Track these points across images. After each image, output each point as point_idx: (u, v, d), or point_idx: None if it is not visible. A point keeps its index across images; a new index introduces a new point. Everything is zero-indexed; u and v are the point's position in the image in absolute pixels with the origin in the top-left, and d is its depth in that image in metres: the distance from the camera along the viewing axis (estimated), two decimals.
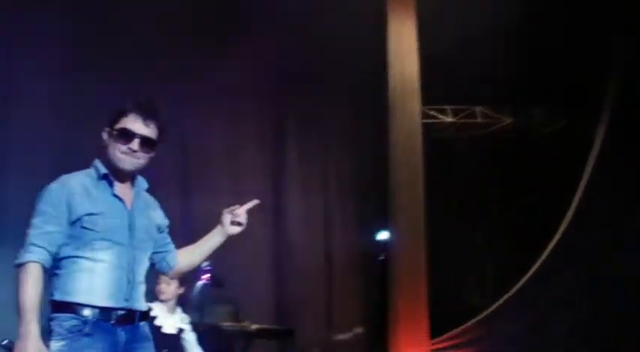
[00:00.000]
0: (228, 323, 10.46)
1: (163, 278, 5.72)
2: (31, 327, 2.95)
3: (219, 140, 12.72)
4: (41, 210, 3.13)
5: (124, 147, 3.22)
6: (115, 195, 3.25)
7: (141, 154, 3.26)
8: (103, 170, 3.25)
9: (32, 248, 3.06)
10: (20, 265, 3.06)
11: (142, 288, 3.36)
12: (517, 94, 13.21)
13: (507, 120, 13.50)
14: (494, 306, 12.59)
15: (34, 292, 3.02)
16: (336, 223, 13.76)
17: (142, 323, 3.31)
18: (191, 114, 12.05)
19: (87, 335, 3.06)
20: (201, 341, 10.06)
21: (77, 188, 3.17)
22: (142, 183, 3.45)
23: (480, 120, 13.51)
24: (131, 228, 3.24)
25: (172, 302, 5.89)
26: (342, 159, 13.93)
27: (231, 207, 3.55)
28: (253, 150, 13.09)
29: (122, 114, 3.27)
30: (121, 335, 3.14)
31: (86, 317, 3.08)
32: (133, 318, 3.21)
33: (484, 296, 13.52)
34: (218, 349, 10.18)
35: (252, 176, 13.01)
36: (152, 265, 3.58)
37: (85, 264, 3.11)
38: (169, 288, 5.82)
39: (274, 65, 12.59)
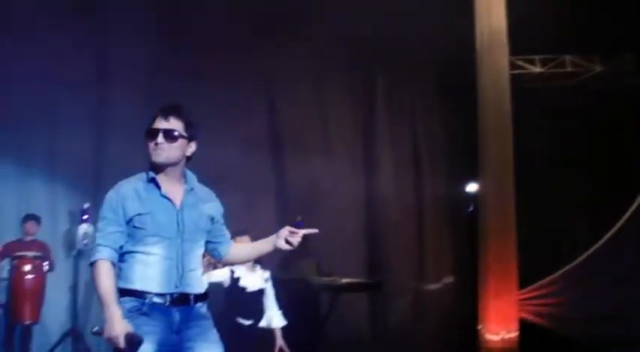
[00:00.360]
0: (317, 278, 10.97)
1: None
2: (113, 309, 3.47)
3: (309, 99, 13.02)
4: (103, 215, 3.67)
5: (151, 144, 3.72)
6: (163, 195, 3.70)
7: (165, 146, 3.71)
8: (152, 174, 3.73)
9: (99, 248, 3.60)
10: (92, 263, 3.60)
11: (195, 274, 3.80)
12: (607, 42, 12.98)
13: (597, 69, 13.29)
14: (581, 258, 12.66)
15: (109, 283, 3.54)
16: (426, 175, 13.94)
17: (199, 305, 3.78)
18: (279, 79, 12.46)
19: (144, 314, 3.58)
20: (288, 295, 10.69)
21: (129, 192, 3.67)
22: (191, 180, 3.89)
23: (569, 69, 13.34)
24: (179, 223, 3.68)
25: (251, 262, 6.29)
26: (430, 113, 14.06)
27: (293, 229, 3.94)
28: (343, 107, 13.36)
29: (153, 120, 3.77)
30: (176, 315, 3.63)
31: (143, 300, 3.58)
32: (187, 300, 3.68)
33: (574, 248, 13.51)
34: (306, 303, 10.78)
35: (343, 132, 13.38)
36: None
37: (139, 257, 3.63)
38: None
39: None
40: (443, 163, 14.12)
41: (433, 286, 13.64)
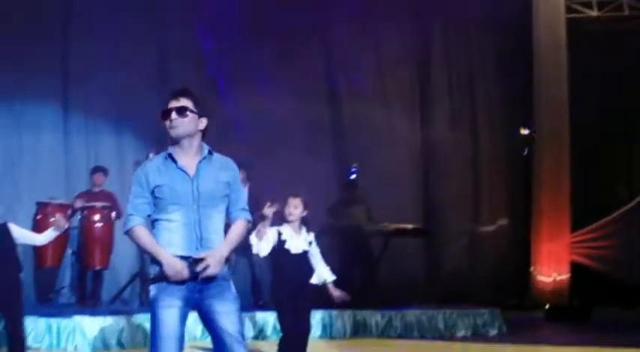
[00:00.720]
0: (368, 224, 11.31)
1: (291, 201, 6.61)
2: (164, 254, 3.95)
3: (365, 48, 13.21)
4: (132, 189, 4.12)
5: (167, 122, 4.13)
6: (179, 168, 4.11)
7: (178, 121, 4.10)
8: (169, 151, 4.16)
9: (130, 217, 4.06)
10: (128, 231, 4.09)
11: (215, 238, 4.12)
12: None
13: None
14: (634, 202, 12.77)
15: (149, 238, 4.02)
16: (482, 121, 14.09)
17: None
18: (336, 29, 12.74)
19: (168, 283, 3.99)
20: (340, 242, 11.09)
21: (151, 168, 4.11)
22: (204, 151, 4.23)
23: (626, 13, 13.20)
24: (194, 191, 4.06)
25: (297, 224, 6.66)
26: (486, 59, 14.12)
27: None
28: (400, 55, 13.46)
29: (167, 103, 4.17)
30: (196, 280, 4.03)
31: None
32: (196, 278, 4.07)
33: (628, 192, 13.59)
34: (357, 249, 11.17)
35: (399, 79, 13.53)
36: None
37: (164, 223, 4.06)
38: (296, 211, 6.56)
39: None
40: (498, 108, 14.20)
41: (488, 229, 13.85)
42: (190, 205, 4.03)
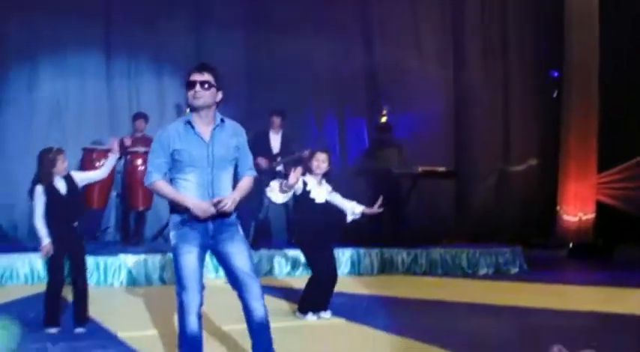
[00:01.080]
0: (397, 167, 11.70)
1: (319, 156, 7.12)
2: (188, 198, 4.54)
3: None
4: (152, 149, 4.67)
5: (191, 92, 4.61)
6: (196, 134, 4.64)
7: (201, 93, 4.60)
8: (188, 118, 4.67)
9: (151, 173, 4.62)
10: (150, 185, 4.65)
11: (224, 195, 4.67)
12: None
13: None
14: None
15: (170, 189, 4.61)
16: (513, 61, 14.30)
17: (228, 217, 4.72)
18: None
19: (188, 225, 4.60)
20: (372, 183, 11.55)
21: (172, 132, 4.63)
22: (217, 119, 4.75)
23: None
24: (209, 155, 4.62)
25: (320, 176, 7.20)
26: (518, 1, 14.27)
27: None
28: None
29: (189, 75, 4.65)
30: (210, 225, 4.61)
31: (185, 215, 4.60)
32: (217, 215, 4.61)
33: None
34: (387, 190, 11.58)
35: (432, 19, 13.79)
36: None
37: (180, 182, 4.63)
38: (323, 165, 7.09)
39: None
40: (530, 50, 14.40)
41: (517, 168, 14.23)
42: (205, 167, 4.59)
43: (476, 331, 6.49)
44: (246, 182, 4.79)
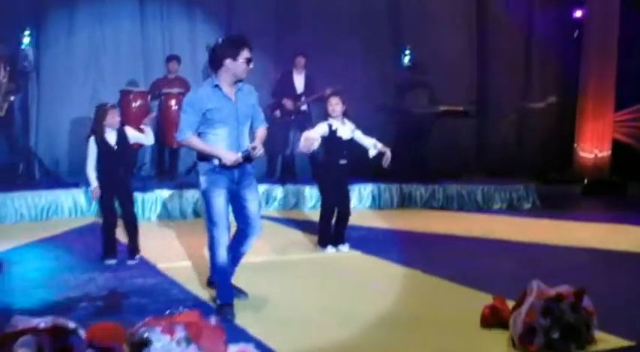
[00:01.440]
0: (428, 106, 12.16)
1: (332, 100, 7.70)
2: (219, 149, 5.21)
3: None
4: (185, 109, 5.29)
5: (247, 67, 5.26)
6: (225, 95, 5.27)
7: (249, 69, 5.30)
8: (216, 82, 5.27)
9: (184, 130, 5.23)
10: (183, 140, 5.29)
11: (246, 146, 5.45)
12: None
13: None
14: None
15: (202, 143, 5.25)
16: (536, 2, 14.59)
17: (248, 165, 5.39)
18: None
19: (217, 173, 5.25)
20: (396, 121, 12.06)
21: (203, 95, 5.25)
22: (238, 82, 5.41)
23: None
24: (235, 114, 5.29)
25: (340, 117, 7.77)
26: None
27: None
28: None
29: (241, 48, 5.24)
30: (235, 172, 5.30)
31: (216, 164, 5.25)
32: (241, 163, 5.29)
33: None
34: (409, 129, 12.11)
35: None
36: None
37: (210, 137, 5.27)
38: (338, 107, 7.65)
39: None
40: None
41: (537, 106, 14.57)
42: (232, 123, 5.27)
43: (480, 264, 7.10)
44: (262, 132, 5.50)
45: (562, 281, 4.69)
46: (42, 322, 3.57)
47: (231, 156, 5.19)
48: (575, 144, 14.18)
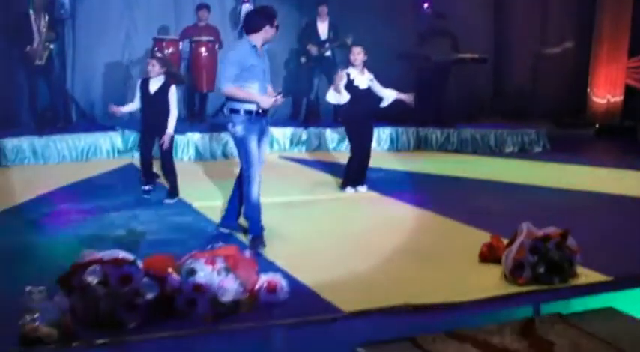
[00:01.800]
0: (450, 54, 12.57)
1: (354, 50, 8.29)
2: (256, 95, 5.93)
3: None
4: (227, 63, 5.98)
5: (275, 33, 6.04)
6: (258, 55, 5.99)
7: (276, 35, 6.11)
8: (252, 43, 5.98)
9: (227, 81, 5.89)
10: (225, 91, 5.93)
11: None
12: None
13: None
14: None
15: (242, 91, 5.91)
16: None
17: (267, 117, 6.19)
18: None
19: (252, 122, 5.96)
20: (414, 71, 12.55)
21: (244, 52, 5.97)
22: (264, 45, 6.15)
23: None
24: (264, 72, 6.05)
25: (360, 67, 8.34)
26: None
27: None
28: None
29: (275, 18, 6.02)
30: (263, 121, 6.07)
31: (252, 113, 5.95)
32: (266, 113, 6.08)
33: None
34: (428, 76, 12.57)
35: None
36: None
37: (246, 89, 5.94)
38: (359, 57, 8.23)
39: None
40: None
41: (553, 51, 15.00)
42: (261, 79, 6.03)
43: (485, 205, 7.74)
44: (270, 89, 6.22)
45: (558, 221, 5.37)
46: (106, 255, 4.30)
47: (269, 100, 5.94)
48: (589, 90, 14.60)
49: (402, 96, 8.43)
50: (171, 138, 7.69)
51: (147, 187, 7.91)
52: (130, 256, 4.30)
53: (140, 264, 4.30)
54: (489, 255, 5.48)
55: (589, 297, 5.02)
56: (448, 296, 4.77)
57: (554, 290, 5.02)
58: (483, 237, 5.83)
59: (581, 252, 5.19)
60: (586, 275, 5.23)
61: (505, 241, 5.42)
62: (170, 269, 4.35)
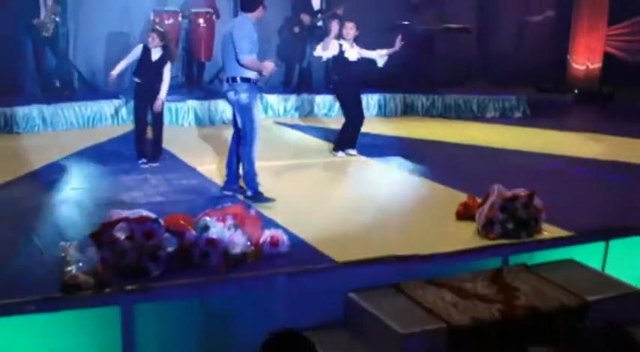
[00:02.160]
0: (437, 24, 13.13)
1: (347, 24, 8.87)
2: (263, 64, 6.65)
3: None
4: (244, 36, 6.57)
5: (262, 9, 6.78)
6: (256, 31, 6.64)
7: None
8: (252, 20, 6.67)
9: (248, 53, 6.56)
10: (248, 61, 6.57)
11: None
12: None
13: None
14: None
15: (257, 62, 6.62)
16: None
17: None
18: None
19: (254, 89, 6.69)
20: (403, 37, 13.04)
21: (252, 27, 6.63)
22: None
23: None
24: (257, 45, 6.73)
25: (351, 41, 8.94)
26: None
27: None
28: None
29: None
30: (259, 89, 6.86)
31: (255, 82, 6.68)
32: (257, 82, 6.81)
33: None
34: (414, 44, 13.04)
35: None
36: None
37: None
38: (351, 32, 8.83)
39: None
40: None
41: (535, 18, 15.60)
42: (256, 52, 6.66)
43: (465, 168, 8.43)
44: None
45: (529, 183, 6.04)
46: (131, 214, 4.94)
47: (271, 65, 6.70)
48: (569, 56, 15.18)
49: (390, 50, 9.03)
50: (162, 103, 8.18)
51: (142, 161, 8.19)
52: (152, 215, 4.94)
53: (161, 221, 4.95)
54: (465, 213, 6.15)
55: (552, 250, 5.72)
56: (428, 249, 5.39)
57: (521, 244, 5.68)
58: (461, 197, 6.50)
59: (546, 211, 5.87)
60: (550, 231, 5.89)
61: (479, 201, 6.09)
62: (187, 226, 5.01)
